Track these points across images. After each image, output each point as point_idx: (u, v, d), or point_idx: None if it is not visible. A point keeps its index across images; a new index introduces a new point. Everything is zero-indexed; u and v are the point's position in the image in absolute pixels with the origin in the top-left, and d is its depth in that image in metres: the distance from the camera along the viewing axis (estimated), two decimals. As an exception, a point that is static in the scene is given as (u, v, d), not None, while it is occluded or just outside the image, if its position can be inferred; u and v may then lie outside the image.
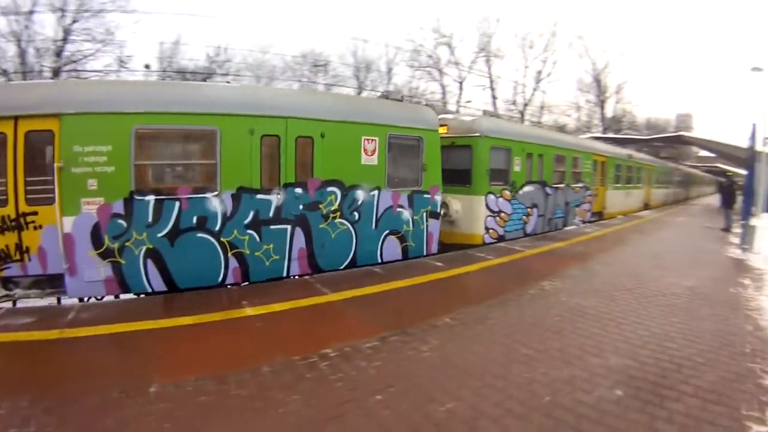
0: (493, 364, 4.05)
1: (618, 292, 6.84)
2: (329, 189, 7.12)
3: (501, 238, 10.53)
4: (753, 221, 11.83)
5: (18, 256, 5.46)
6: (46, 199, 5.45)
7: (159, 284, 5.99)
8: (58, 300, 5.94)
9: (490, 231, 10.27)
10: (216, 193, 6.17)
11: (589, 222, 14.95)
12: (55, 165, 5.32)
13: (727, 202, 15.97)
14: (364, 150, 7.45)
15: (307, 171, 6.92)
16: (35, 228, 5.46)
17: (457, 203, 9.84)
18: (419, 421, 3.12)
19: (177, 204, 5.93)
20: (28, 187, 5.45)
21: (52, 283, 5.68)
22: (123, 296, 6.05)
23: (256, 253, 6.53)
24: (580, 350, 4.53)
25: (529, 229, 11.62)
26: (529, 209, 11.47)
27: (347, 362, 3.88)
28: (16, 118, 5.32)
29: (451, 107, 34.08)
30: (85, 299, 5.98)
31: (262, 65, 35.40)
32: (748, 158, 13.78)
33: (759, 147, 14.75)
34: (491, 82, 43.12)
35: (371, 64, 40.42)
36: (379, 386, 3.50)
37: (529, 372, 3.93)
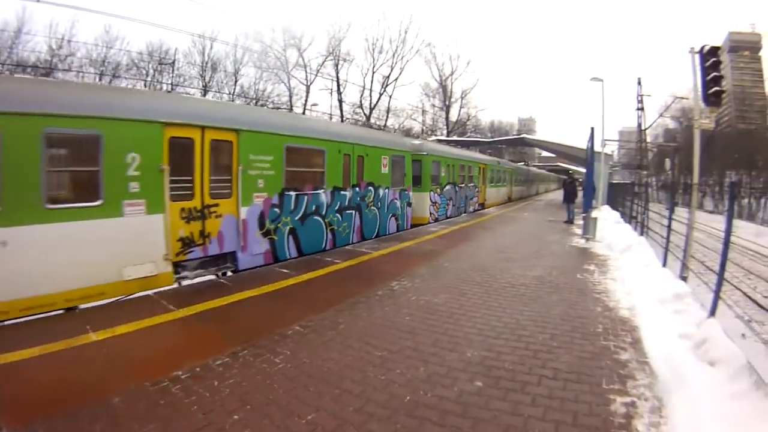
0: (348, 369, 4.54)
1: (467, 286, 7.88)
2: (369, 188, 13.34)
3: (437, 219, 19.01)
4: (594, 213, 14.79)
5: (201, 241, 8.15)
6: (226, 193, 8.58)
7: (294, 252, 10.33)
8: (223, 274, 8.87)
9: (432, 214, 18.63)
10: (324, 190, 11.26)
11: (476, 210, 24.91)
12: (238, 168, 8.70)
13: (569, 197, 20.31)
14: (383, 164, 14.08)
15: (360, 177, 12.87)
16: (216, 217, 8.38)
17: (413, 197, 16.71)
18: (283, 438, 3.46)
19: (305, 197, 10.59)
20: (212, 184, 8.27)
21: (216, 262, 8.65)
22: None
23: (339, 228, 11.98)
24: (435, 347, 5.11)
25: (448, 213, 20.57)
26: (448, 201, 20.66)
27: (200, 383, 4.19)
28: (203, 128, 8.02)
29: (297, 110, 46.21)
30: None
31: (107, 61, 39.85)
32: (587, 158, 17.50)
33: (597, 148, 21.02)
34: (338, 85, 50.76)
35: (218, 63, 46.93)
36: (236, 405, 3.82)
37: (386, 374, 4.44)
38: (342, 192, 11.99)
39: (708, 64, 10.88)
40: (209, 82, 45.87)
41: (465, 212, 22.86)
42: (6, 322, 5.84)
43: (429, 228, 15.90)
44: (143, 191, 7.19)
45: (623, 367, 4.63)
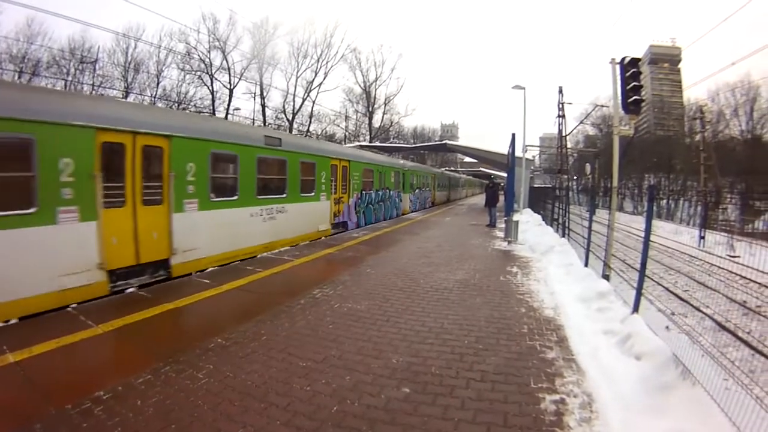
0: (273, 381, 4.59)
1: (391, 292, 8.02)
2: (387, 191, 24.27)
3: (413, 211, 29.56)
4: (515, 216, 15.59)
5: (338, 215, 17.73)
6: (345, 191, 18.43)
7: (363, 223, 20.37)
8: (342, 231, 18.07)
9: (409, 207, 28.90)
10: (373, 191, 22.12)
11: (430, 207, 35.85)
12: (350, 179, 18.75)
13: (491, 201, 21.83)
14: (392, 176, 25.19)
15: (385, 184, 23.94)
16: (342, 203, 18.09)
17: (402, 197, 27.85)
18: (209, 456, 3.57)
19: (368, 195, 21.31)
20: (342, 187, 18.08)
21: (337, 226, 17.50)
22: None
23: (377, 213, 22.75)
24: (360, 355, 5.19)
25: (416, 207, 31.05)
26: (417, 199, 31.64)
27: (122, 403, 4.14)
28: (339, 160, 17.72)
29: (220, 114, 49.51)
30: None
31: (27, 57, 39.90)
32: (508, 163, 18.46)
33: (519, 153, 24.61)
34: (262, 89, 53.36)
35: (141, 64, 47.70)
36: (161, 425, 3.81)
37: (311, 384, 4.51)
38: (379, 192, 22.69)
39: (628, 74, 11.61)
40: (131, 84, 46.20)
41: (424, 208, 34.29)
42: (270, 253, 12.07)
43: (351, 234, 16.62)
44: (325, 189, 16.02)
45: (550, 365, 4.84)
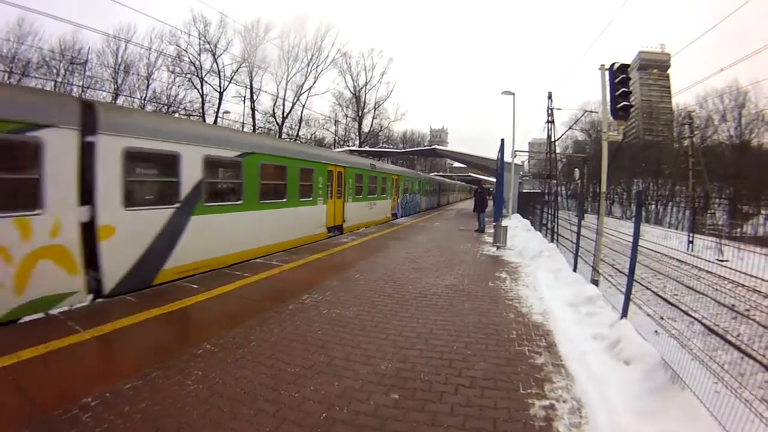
0: (261, 388, 4.60)
1: (379, 298, 8.04)
2: (414, 194, 36.03)
3: (426, 210, 40.86)
4: (504, 222, 15.61)
5: (393, 209, 29.25)
6: (396, 194, 29.98)
7: (404, 215, 31.49)
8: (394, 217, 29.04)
9: (425, 206, 40.59)
10: (408, 194, 34.04)
11: (435, 208, 45.14)
12: (399, 186, 30.57)
13: (479, 206, 22.16)
14: (416, 184, 37.11)
15: (414, 189, 36.51)
16: (394, 201, 29.51)
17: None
18: (197, 463, 3.58)
19: (404, 196, 32.43)
20: (396, 190, 29.93)
21: (392, 215, 28.54)
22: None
23: (410, 208, 34.08)
24: (348, 361, 5.20)
25: (428, 207, 42.08)
26: (429, 200, 42.88)
27: (110, 410, 4.12)
28: (399, 175, 31.25)
29: (209, 118, 50.44)
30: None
31: (17, 57, 40.22)
32: (497, 168, 18.64)
33: (508, 159, 25.73)
34: (252, 93, 53.79)
35: (131, 66, 47.89)
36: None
37: (300, 391, 4.52)
38: (411, 195, 33.31)
39: (617, 80, 11.78)
40: (121, 86, 46.38)
41: (431, 208, 42.79)
42: (357, 231, 20.09)
43: (340, 239, 16.54)
44: (390, 193, 27.61)
45: (539, 371, 4.88)
